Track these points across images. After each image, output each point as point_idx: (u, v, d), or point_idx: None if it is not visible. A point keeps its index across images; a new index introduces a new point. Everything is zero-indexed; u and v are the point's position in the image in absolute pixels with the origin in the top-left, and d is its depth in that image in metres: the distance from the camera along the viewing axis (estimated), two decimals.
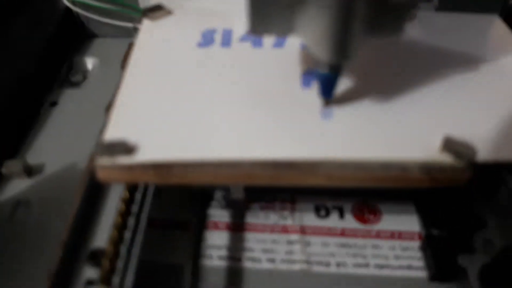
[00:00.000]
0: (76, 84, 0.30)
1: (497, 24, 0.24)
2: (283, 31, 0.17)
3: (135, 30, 0.28)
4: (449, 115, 0.18)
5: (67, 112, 0.28)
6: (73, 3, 0.31)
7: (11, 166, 0.24)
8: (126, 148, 0.16)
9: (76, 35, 0.34)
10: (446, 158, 0.16)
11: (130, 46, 0.26)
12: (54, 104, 0.29)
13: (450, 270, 0.19)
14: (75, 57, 0.32)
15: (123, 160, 0.16)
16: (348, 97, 0.19)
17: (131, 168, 0.16)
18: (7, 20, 0.29)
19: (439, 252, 0.19)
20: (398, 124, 0.18)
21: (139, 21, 0.27)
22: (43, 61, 0.30)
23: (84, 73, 0.31)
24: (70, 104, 0.29)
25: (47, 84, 0.30)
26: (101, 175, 0.17)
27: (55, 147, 0.26)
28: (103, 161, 0.16)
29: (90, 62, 0.32)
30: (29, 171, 0.24)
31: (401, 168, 0.16)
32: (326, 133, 0.17)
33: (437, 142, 0.17)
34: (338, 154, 0.17)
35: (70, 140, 0.26)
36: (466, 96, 0.19)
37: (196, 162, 0.16)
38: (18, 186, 0.24)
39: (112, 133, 0.17)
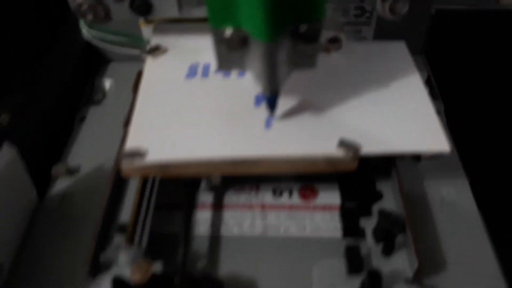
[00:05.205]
0: (97, 102, 0.39)
1: (401, 48, 0.32)
2: (238, 68, 0.26)
3: (141, 56, 0.35)
4: (346, 124, 0.27)
5: (94, 125, 0.37)
6: (92, 37, 0.40)
7: (58, 168, 0.32)
8: (139, 154, 0.26)
9: (95, 61, 0.42)
10: (340, 152, 0.25)
11: (138, 74, 0.34)
12: (83, 119, 0.37)
13: (354, 229, 0.28)
14: (95, 80, 0.41)
15: (138, 162, 0.26)
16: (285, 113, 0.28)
17: (143, 167, 0.26)
18: (41, 55, 0.38)
19: (348, 218, 0.29)
20: (313, 132, 0.27)
21: (144, 49, 0.36)
22: (71, 84, 0.39)
23: (103, 93, 0.40)
24: (95, 118, 0.37)
25: (76, 103, 0.39)
26: (124, 173, 0.26)
27: (87, 153, 0.35)
28: (125, 163, 0.26)
29: (107, 83, 0.40)
30: (70, 171, 0.33)
31: (312, 160, 0.25)
32: (267, 138, 0.27)
33: (335, 142, 0.26)
34: (273, 152, 0.26)
35: (98, 146, 0.35)
36: (363, 110, 0.28)
37: (184, 162, 0.25)
38: (63, 183, 0.33)
39: (130, 144, 0.26)
